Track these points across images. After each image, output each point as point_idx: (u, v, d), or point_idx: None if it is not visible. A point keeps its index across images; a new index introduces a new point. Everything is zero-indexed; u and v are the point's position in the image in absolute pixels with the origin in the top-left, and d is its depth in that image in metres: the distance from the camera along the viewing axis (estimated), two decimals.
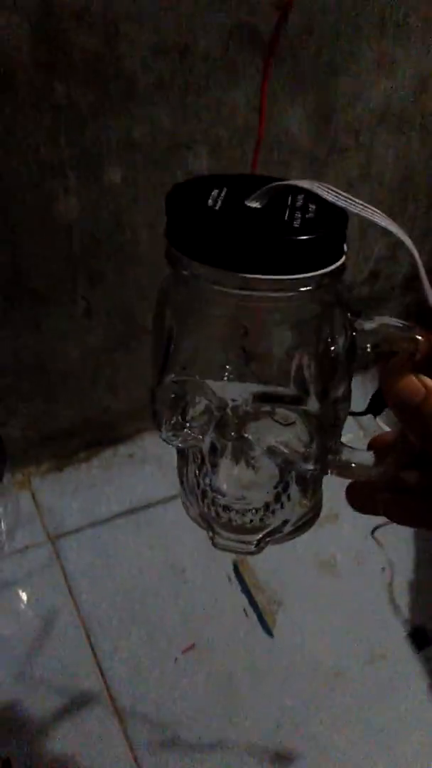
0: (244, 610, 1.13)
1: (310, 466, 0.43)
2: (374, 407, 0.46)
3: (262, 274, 0.35)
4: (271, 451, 0.43)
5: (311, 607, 1.15)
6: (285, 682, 1.06)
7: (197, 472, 0.47)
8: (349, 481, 0.47)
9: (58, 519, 1.21)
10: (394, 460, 0.43)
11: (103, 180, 0.90)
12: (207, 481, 0.46)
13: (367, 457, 0.44)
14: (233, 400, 0.41)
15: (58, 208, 0.90)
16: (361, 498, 0.46)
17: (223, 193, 0.39)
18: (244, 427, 0.42)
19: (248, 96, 0.91)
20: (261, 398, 0.41)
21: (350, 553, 1.23)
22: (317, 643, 1.11)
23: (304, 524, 0.50)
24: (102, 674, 1.03)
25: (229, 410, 0.42)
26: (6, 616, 1.10)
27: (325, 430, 0.42)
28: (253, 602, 1.14)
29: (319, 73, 0.94)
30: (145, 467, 1.31)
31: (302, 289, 0.36)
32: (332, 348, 0.40)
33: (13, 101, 0.79)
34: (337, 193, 0.36)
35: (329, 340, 0.40)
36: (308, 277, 0.36)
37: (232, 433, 0.42)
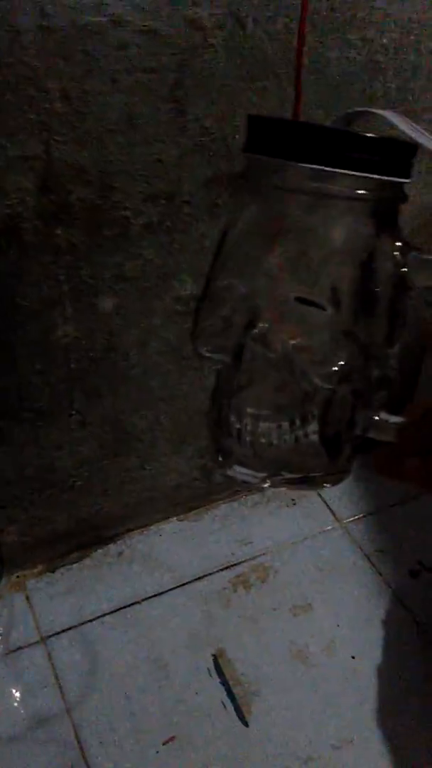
0: (222, 702, 1.18)
1: (326, 384, 0.42)
2: None
3: (335, 168, 0.38)
4: (291, 355, 0.43)
5: (285, 696, 1.20)
6: None
7: (226, 400, 0.46)
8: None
9: (51, 619, 1.26)
10: (427, 422, 0.42)
11: (97, 308, 0.99)
12: (234, 390, 0.45)
13: (400, 419, 0.43)
14: (270, 301, 0.42)
15: (57, 334, 0.98)
16: (387, 464, 0.43)
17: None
18: (275, 327, 0.42)
19: None
20: (296, 299, 0.41)
21: (323, 642, 1.28)
22: (290, 730, 1.15)
23: (314, 480, 0.48)
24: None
25: (264, 309, 0.42)
26: None
27: (352, 354, 0.42)
28: (230, 694, 1.19)
29: None
30: (133, 566, 1.36)
31: (364, 190, 0.39)
32: (375, 272, 0.41)
33: (19, 247, 0.88)
34: (411, 123, 0.39)
35: (374, 263, 0.41)
36: (376, 179, 0.38)
37: (260, 330, 0.42)
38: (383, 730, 1.17)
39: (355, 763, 1.13)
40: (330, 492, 1.54)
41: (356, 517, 1.50)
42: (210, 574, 1.36)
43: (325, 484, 0.49)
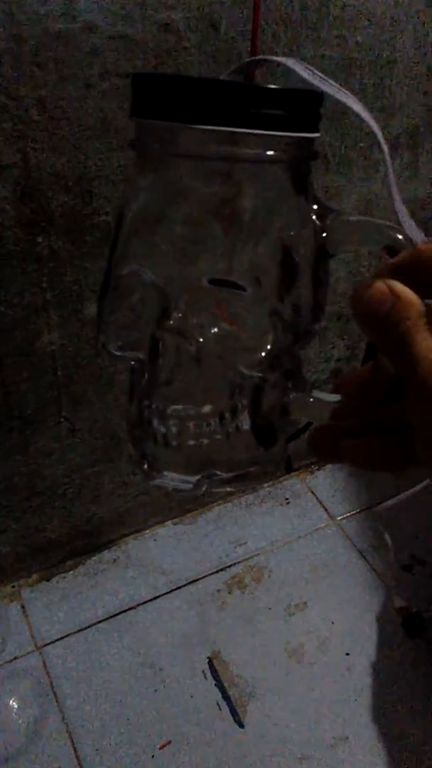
0: (218, 703, 1.18)
1: (255, 372, 0.40)
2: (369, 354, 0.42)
3: (240, 128, 0.34)
4: (213, 344, 0.39)
5: (280, 695, 1.20)
6: None
7: (145, 400, 0.42)
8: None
9: (46, 627, 1.26)
10: (363, 397, 0.40)
11: (82, 314, 0.99)
12: (153, 389, 0.41)
13: (335, 398, 0.41)
14: (182, 287, 0.38)
15: (42, 341, 0.98)
16: (324, 445, 0.41)
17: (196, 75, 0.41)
18: (190, 315, 0.39)
19: None
20: (211, 282, 0.37)
21: (317, 640, 1.29)
22: (285, 730, 1.16)
23: (250, 474, 0.44)
24: None
25: (176, 296, 0.38)
26: None
27: (279, 335, 0.39)
28: (226, 696, 1.19)
29: None
30: (127, 571, 1.37)
31: (274, 150, 0.35)
32: (294, 240, 0.38)
33: (0, 255, 0.87)
34: (312, 70, 0.35)
35: (291, 231, 0.38)
36: (286, 137, 0.35)
37: (174, 321, 0.39)
38: (378, 727, 1.17)
39: (351, 761, 1.13)
40: (323, 490, 1.54)
41: (349, 514, 1.51)
42: (205, 576, 1.37)
43: (263, 478, 0.45)
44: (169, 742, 1.13)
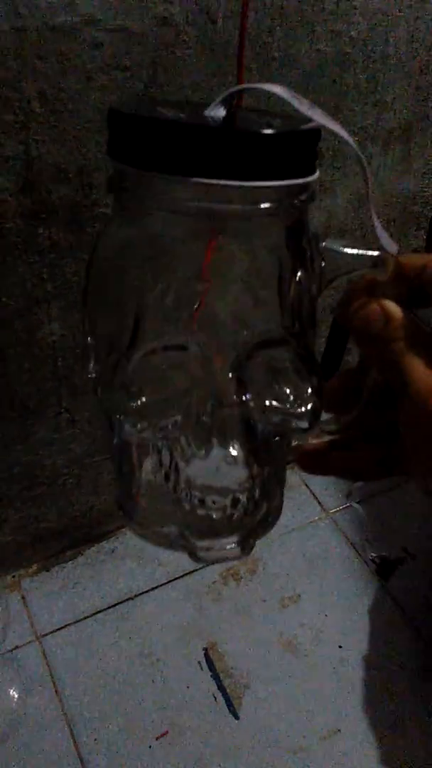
0: (213, 695, 1.20)
1: (305, 424, 0.38)
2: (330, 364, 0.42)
3: (236, 179, 0.30)
4: (267, 413, 0.37)
5: (275, 686, 1.22)
6: (249, 761, 1.13)
7: (161, 469, 0.40)
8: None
9: (46, 618, 1.28)
10: (356, 409, 0.40)
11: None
12: (179, 472, 0.39)
13: (327, 416, 0.41)
14: (226, 359, 0.36)
15: (43, 332, 1.00)
16: (311, 461, 0.43)
17: (177, 109, 0.35)
18: (243, 389, 0.36)
19: None
20: (257, 346, 0.35)
21: (311, 632, 1.31)
22: (279, 721, 1.18)
23: (272, 518, 0.44)
24: (83, 766, 1.10)
25: (228, 374, 0.36)
26: None
27: (318, 374, 0.38)
28: (221, 687, 1.21)
29: None
30: (126, 561, 1.38)
31: (271, 202, 0.32)
32: (305, 278, 0.36)
33: (1, 246, 0.89)
34: (299, 98, 0.32)
35: (304, 267, 0.36)
36: (282, 186, 0.32)
37: (230, 400, 0.36)
38: (370, 719, 1.19)
39: (343, 753, 1.15)
40: (317, 483, 1.56)
41: (343, 506, 1.53)
42: (201, 568, 1.38)
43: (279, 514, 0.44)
44: (166, 733, 1.14)
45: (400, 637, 1.31)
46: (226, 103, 0.33)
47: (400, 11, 0.98)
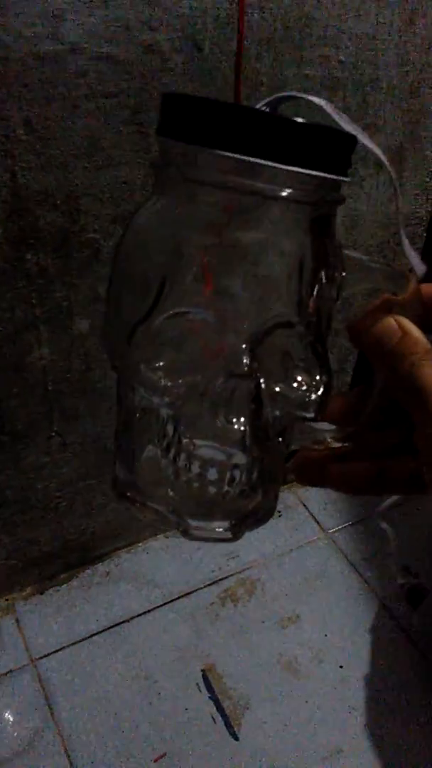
0: (212, 716, 1.19)
1: (310, 413, 0.39)
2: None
3: (275, 161, 0.33)
4: (274, 395, 0.38)
5: (275, 708, 1.21)
6: None
7: (165, 440, 0.41)
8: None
9: (40, 641, 1.27)
10: (360, 423, 0.41)
11: (72, 330, 1.00)
12: (181, 443, 0.40)
13: (330, 427, 0.42)
14: (241, 336, 0.37)
15: (33, 356, 0.99)
16: (310, 471, 0.43)
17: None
18: (255, 365, 0.37)
19: None
20: (273, 327, 0.36)
21: (311, 653, 1.29)
22: (280, 742, 1.17)
23: (263, 514, 0.44)
24: None
25: (243, 344, 0.37)
26: None
27: (328, 371, 0.39)
28: (220, 708, 1.20)
29: None
30: (120, 584, 1.37)
31: (302, 189, 0.34)
32: (329, 276, 0.37)
33: None
34: (339, 112, 0.35)
35: (327, 267, 0.37)
36: (318, 176, 0.34)
37: (241, 375, 0.37)
38: (372, 739, 1.18)
39: None
40: (315, 503, 1.55)
41: (341, 526, 1.52)
42: (198, 589, 1.38)
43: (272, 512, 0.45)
44: (164, 755, 1.13)
45: (401, 655, 1.30)
46: (270, 106, 0.36)
47: (389, 35, 0.98)
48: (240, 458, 0.40)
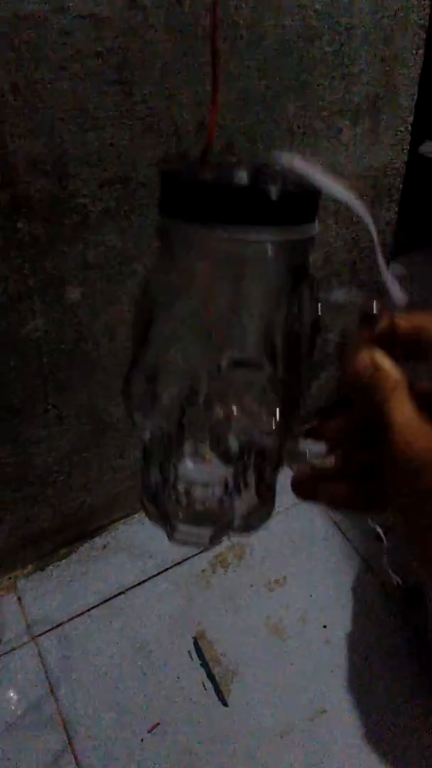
0: (203, 683, 1.21)
1: (270, 441, 0.44)
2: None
3: (253, 225, 0.39)
4: (235, 422, 0.44)
5: (262, 672, 1.24)
6: (238, 748, 1.14)
7: (162, 464, 0.47)
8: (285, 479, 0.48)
9: (41, 617, 1.28)
10: (345, 446, 0.45)
11: (65, 299, 0.99)
12: (173, 464, 0.46)
13: (321, 447, 0.46)
14: (206, 371, 0.43)
15: (28, 328, 0.98)
16: (303, 488, 0.46)
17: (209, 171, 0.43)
18: (214, 396, 0.43)
19: None
20: (233, 364, 0.42)
21: (297, 614, 1.32)
22: (267, 705, 1.20)
23: (255, 520, 0.51)
24: (77, 763, 1.11)
25: (202, 379, 0.43)
26: None
27: (289, 403, 0.44)
28: (210, 675, 1.22)
29: None
30: (118, 556, 1.38)
31: (280, 240, 0.40)
32: (300, 318, 0.42)
33: None
34: (310, 168, 0.40)
35: (298, 310, 0.42)
36: (290, 230, 0.40)
37: (202, 401, 0.43)
38: (355, 698, 1.21)
39: (330, 733, 1.17)
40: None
41: None
42: (191, 557, 1.39)
43: (265, 521, 0.51)
44: (158, 725, 1.15)
45: (381, 613, 1.34)
46: (251, 166, 0.42)
47: None
48: (218, 477, 0.46)
